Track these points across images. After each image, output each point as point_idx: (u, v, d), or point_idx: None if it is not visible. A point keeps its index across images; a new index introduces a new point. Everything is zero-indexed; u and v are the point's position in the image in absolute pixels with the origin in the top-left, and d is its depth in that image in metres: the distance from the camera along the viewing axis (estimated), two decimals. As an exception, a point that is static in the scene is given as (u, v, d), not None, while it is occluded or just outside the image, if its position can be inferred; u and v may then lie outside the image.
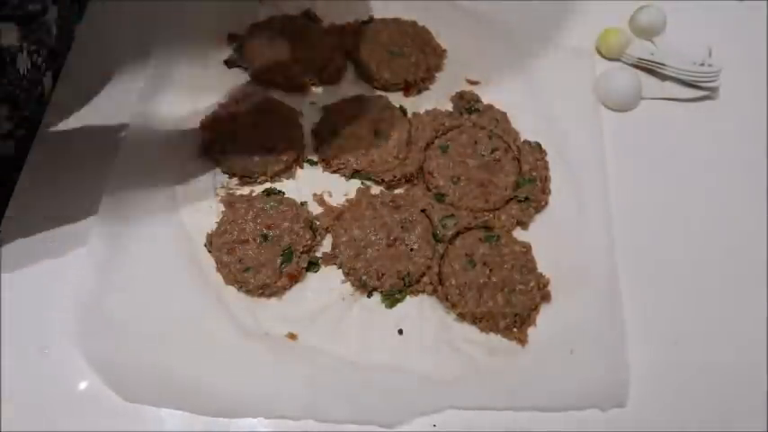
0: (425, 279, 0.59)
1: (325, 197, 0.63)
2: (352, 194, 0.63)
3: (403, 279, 0.58)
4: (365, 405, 0.53)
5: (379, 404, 0.53)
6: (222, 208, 0.61)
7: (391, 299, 0.58)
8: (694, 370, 0.57)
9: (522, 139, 0.66)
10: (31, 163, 0.62)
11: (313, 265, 0.59)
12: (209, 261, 0.59)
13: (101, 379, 0.52)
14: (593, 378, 0.55)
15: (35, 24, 0.54)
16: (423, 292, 0.59)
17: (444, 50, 0.72)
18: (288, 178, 0.64)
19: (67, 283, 0.56)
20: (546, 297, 0.59)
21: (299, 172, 0.64)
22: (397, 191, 0.64)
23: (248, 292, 0.58)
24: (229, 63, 0.70)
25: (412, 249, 0.59)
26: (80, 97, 0.65)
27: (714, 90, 0.72)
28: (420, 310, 0.58)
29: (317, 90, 0.69)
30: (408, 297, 0.58)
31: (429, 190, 0.63)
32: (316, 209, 0.62)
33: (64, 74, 0.67)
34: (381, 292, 0.58)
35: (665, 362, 0.57)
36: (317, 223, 0.61)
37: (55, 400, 0.52)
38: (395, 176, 0.64)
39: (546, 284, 0.59)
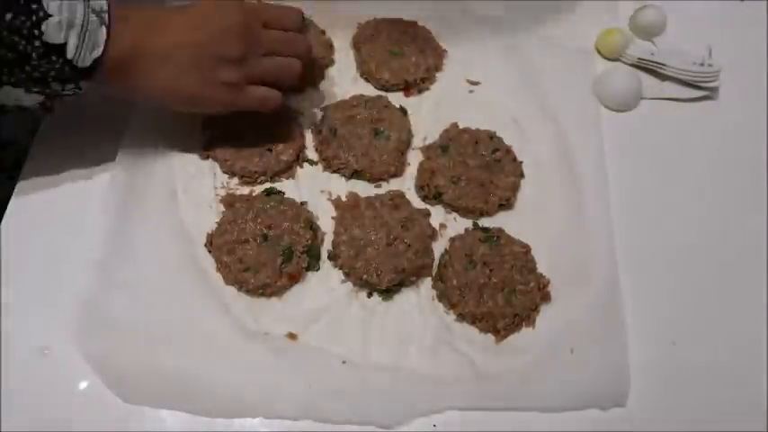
0: (424, 274, 0.59)
1: (326, 198, 0.63)
2: (353, 195, 0.63)
3: (402, 272, 0.58)
4: (365, 405, 0.53)
5: (378, 404, 0.53)
6: (222, 208, 0.61)
7: (389, 292, 0.58)
8: (694, 370, 0.57)
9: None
10: (31, 161, 0.62)
11: (313, 265, 0.59)
12: (209, 261, 0.59)
13: (101, 379, 0.52)
14: (593, 378, 0.55)
15: None
16: (423, 277, 0.59)
17: (444, 50, 0.72)
18: (288, 178, 0.64)
19: (67, 283, 0.56)
20: (546, 297, 0.59)
21: (299, 172, 0.64)
22: (396, 190, 0.64)
23: (248, 292, 0.57)
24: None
25: (410, 246, 0.59)
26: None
27: (714, 90, 0.72)
28: (420, 310, 0.58)
29: (318, 90, 0.69)
30: (407, 296, 0.59)
31: (429, 189, 0.63)
32: (316, 209, 0.62)
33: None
34: (380, 290, 0.58)
35: (665, 362, 0.57)
36: (317, 223, 0.61)
37: (55, 400, 0.52)
38: (395, 176, 0.64)
39: (546, 285, 0.59)
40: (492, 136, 0.66)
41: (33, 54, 0.49)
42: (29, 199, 0.60)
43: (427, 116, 0.68)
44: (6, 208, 0.59)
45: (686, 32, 0.75)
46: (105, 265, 0.57)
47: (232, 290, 0.58)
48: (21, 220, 0.59)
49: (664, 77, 0.73)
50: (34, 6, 0.48)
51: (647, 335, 0.58)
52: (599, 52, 0.75)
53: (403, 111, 0.68)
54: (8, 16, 0.47)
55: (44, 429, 0.51)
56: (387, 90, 0.70)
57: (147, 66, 0.54)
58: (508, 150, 0.65)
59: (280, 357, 0.55)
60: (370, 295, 0.58)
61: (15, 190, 0.60)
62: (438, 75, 0.71)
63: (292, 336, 0.56)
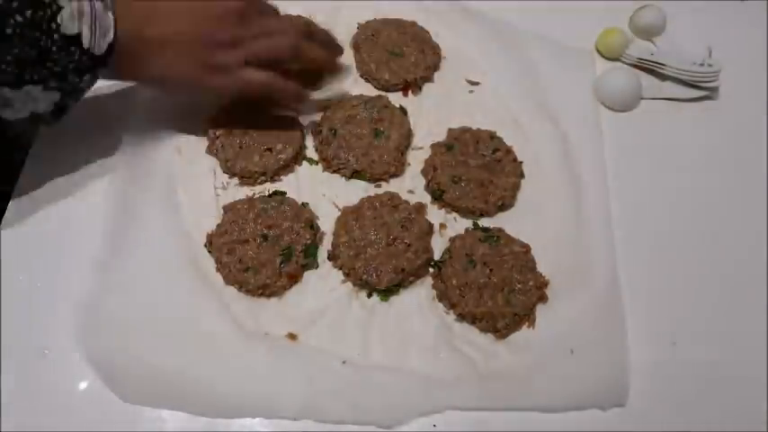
0: (424, 273, 0.59)
1: (326, 198, 0.63)
2: (353, 194, 0.63)
3: (401, 272, 0.58)
4: (365, 405, 0.53)
5: (378, 404, 0.53)
6: (223, 209, 0.61)
7: (389, 292, 0.58)
8: (694, 370, 0.57)
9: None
10: (31, 161, 0.62)
11: (312, 264, 0.59)
12: (209, 261, 0.59)
13: (101, 379, 0.52)
14: (593, 378, 0.55)
15: None
16: (423, 277, 0.59)
17: (444, 50, 0.72)
18: (287, 174, 0.64)
19: (67, 284, 0.56)
20: (543, 298, 0.59)
21: (299, 173, 0.64)
22: (394, 190, 0.64)
23: (248, 292, 0.57)
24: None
25: (409, 246, 0.59)
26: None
27: (714, 90, 0.72)
28: (420, 310, 0.58)
29: (318, 90, 0.69)
30: (407, 296, 0.58)
31: (431, 186, 0.64)
32: (316, 209, 0.62)
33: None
34: (380, 290, 0.58)
35: (665, 362, 0.57)
36: (317, 223, 0.61)
37: (55, 400, 0.52)
38: (395, 176, 0.64)
39: (545, 285, 0.59)
40: (493, 136, 0.66)
41: (53, 48, 0.50)
42: (28, 199, 0.60)
43: (427, 116, 0.68)
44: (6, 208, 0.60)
45: (686, 32, 0.75)
46: (105, 265, 0.57)
47: (232, 290, 0.58)
48: (20, 220, 0.59)
49: (664, 77, 0.73)
50: (47, 0, 0.49)
51: (647, 335, 0.58)
52: (599, 52, 0.75)
53: (403, 111, 0.68)
54: (28, 12, 0.48)
55: (44, 429, 0.51)
56: (387, 90, 0.70)
57: (146, 52, 0.55)
58: (508, 150, 0.65)
59: (280, 357, 0.55)
60: (369, 295, 0.58)
61: (15, 190, 0.60)
62: (438, 75, 0.71)
63: (292, 336, 0.56)
